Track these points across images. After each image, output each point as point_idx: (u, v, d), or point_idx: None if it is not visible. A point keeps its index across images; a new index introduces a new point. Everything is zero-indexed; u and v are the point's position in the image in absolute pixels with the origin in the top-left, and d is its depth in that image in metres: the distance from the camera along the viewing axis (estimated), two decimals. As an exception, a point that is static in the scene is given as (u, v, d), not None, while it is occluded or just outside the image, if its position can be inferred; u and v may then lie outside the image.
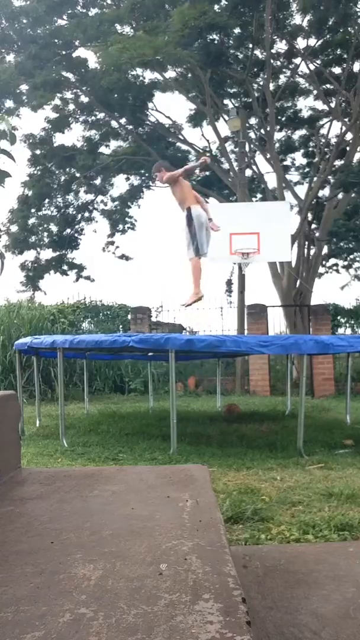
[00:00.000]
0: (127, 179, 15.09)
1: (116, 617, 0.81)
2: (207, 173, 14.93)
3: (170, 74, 13.05)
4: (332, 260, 16.25)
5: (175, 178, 6.08)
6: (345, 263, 16.34)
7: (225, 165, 14.04)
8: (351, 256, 15.86)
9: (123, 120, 13.85)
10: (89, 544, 1.13)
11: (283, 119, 14.23)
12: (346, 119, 13.14)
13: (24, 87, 12.24)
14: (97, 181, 14.85)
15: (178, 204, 6.28)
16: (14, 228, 14.38)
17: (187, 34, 9.91)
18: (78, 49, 12.60)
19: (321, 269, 15.47)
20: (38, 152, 14.01)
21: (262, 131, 13.36)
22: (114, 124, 14.17)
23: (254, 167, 13.93)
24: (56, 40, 11.94)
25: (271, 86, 12.83)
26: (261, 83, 13.14)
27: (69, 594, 0.90)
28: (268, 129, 12.90)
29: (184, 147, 14.71)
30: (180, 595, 0.88)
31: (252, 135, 13.85)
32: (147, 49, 9.91)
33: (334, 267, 16.34)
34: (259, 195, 14.82)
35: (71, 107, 13.75)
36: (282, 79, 13.54)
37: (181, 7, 9.88)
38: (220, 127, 13.47)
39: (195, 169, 6.24)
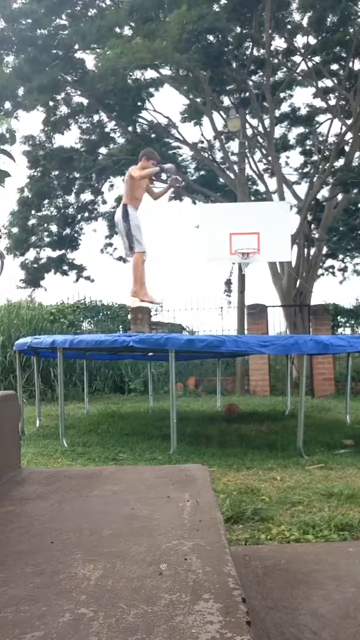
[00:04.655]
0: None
1: (116, 617, 0.81)
2: (203, 172, 14.94)
3: (168, 71, 13.05)
4: (329, 262, 16.27)
5: (143, 177, 6.30)
6: (343, 265, 16.37)
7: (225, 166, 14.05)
8: (350, 255, 15.86)
9: (121, 121, 13.85)
10: (89, 544, 1.13)
11: (280, 114, 14.15)
12: (344, 117, 13.11)
13: (21, 90, 12.24)
14: (97, 182, 14.85)
15: (124, 192, 6.43)
16: (14, 230, 14.39)
17: (185, 38, 9.88)
18: (77, 52, 12.59)
19: (318, 271, 15.48)
20: (37, 153, 14.01)
21: (261, 130, 13.35)
22: (111, 124, 14.16)
23: (254, 167, 13.93)
24: (54, 43, 11.93)
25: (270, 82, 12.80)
26: (259, 81, 13.12)
27: (69, 594, 0.90)
28: (267, 126, 12.89)
29: (183, 146, 14.71)
30: (180, 595, 0.88)
31: (249, 132, 13.81)
32: (145, 53, 9.90)
33: (330, 270, 16.37)
34: (258, 196, 14.81)
35: (68, 108, 13.73)
36: (280, 75, 13.52)
37: (179, 11, 9.83)
38: (220, 128, 13.47)
39: (167, 190, 6.59)
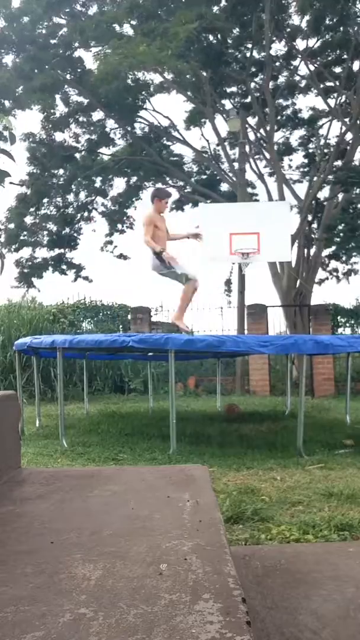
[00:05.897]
0: (127, 181, 15.07)
1: (116, 617, 0.81)
2: (203, 176, 14.95)
3: (170, 75, 13.04)
4: (332, 265, 16.13)
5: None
6: (346, 269, 16.20)
7: (225, 166, 14.05)
8: (350, 254, 15.72)
9: (120, 120, 13.84)
10: (89, 544, 1.12)
11: (282, 118, 14.19)
12: (346, 119, 13.12)
13: (20, 89, 12.21)
14: (97, 182, 14.84)
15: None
16: (11, 226, 14.38)
17: (185, 37, 9.86)
18: (77, 50, 12.58)
19: (322, 274, 15.39)
20: (37, 152, 14.00)
21: (262, 132, 13.35)
22: (111, 123, 14.15)
23: (254, 168, 13.92)
24: (53, 42, 11.91)
25: (270, 85, 12.80)
26: (260, 83, 13.13)
27: (69, 594, 0.90)
28: (268, 129, 12.90)
29: (182, 147, 14.72)
30: (180, 595, 0.88)
31: (251, 136, 13.83)
32: (148, 58, 9.87)
33: (334, 273, 16.22)
34: (259, 196, 14.81)
35: (66, 107, 13.72)
36: (282, 79, 13.54)
37: (186, 26, 9.75)
38: (220, 128, 13.49)
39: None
